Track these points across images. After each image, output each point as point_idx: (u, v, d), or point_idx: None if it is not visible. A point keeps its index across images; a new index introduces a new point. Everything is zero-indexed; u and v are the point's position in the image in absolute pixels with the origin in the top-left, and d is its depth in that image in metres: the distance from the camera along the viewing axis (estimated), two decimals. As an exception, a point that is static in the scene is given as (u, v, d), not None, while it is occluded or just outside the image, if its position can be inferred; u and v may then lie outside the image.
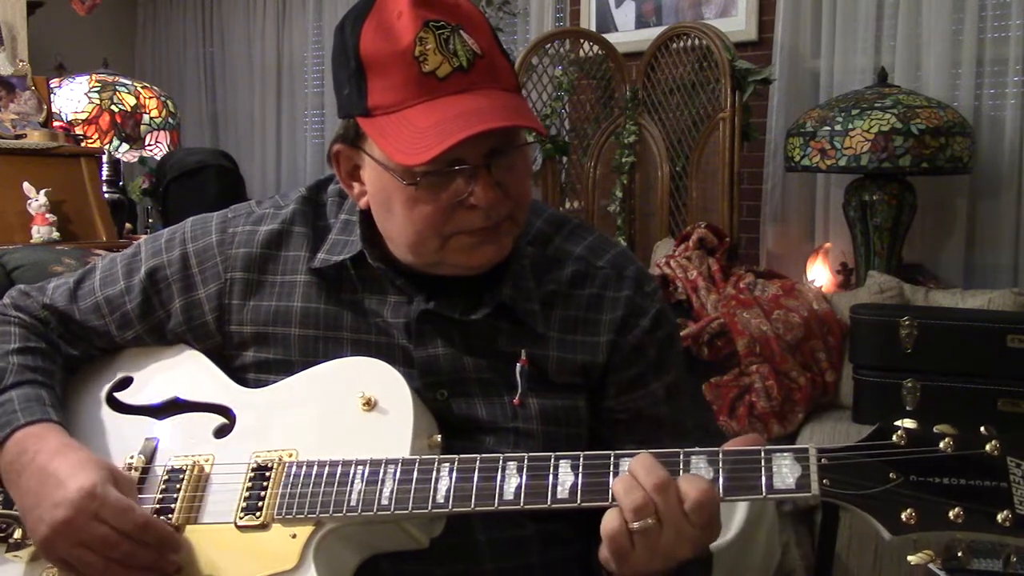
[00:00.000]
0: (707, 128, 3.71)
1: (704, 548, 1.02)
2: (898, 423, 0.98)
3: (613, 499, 1.00)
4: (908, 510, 0.93)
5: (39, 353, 1.26)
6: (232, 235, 1.27)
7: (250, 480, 1.13)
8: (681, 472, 1.00)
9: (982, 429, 0.96)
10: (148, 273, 1.28)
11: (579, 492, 1.03)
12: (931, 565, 1.55)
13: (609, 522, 1.00)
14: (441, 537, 1.13)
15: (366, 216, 1.21)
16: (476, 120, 1.05)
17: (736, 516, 2.05)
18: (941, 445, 0.95)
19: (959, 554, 0.89)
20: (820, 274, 3.81)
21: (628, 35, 4.43)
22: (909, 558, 0.93)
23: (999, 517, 0.90)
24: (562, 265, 1.24)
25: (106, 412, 1.27)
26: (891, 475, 0.95)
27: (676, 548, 0.99)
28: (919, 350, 2.78)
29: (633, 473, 1.00)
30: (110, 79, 4.38)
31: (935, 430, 0.96)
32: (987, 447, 0.94)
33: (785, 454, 0.99)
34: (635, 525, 0.97)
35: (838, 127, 3.33)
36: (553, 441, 1.18)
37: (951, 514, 0.92)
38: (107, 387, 1.29)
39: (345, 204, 1.27)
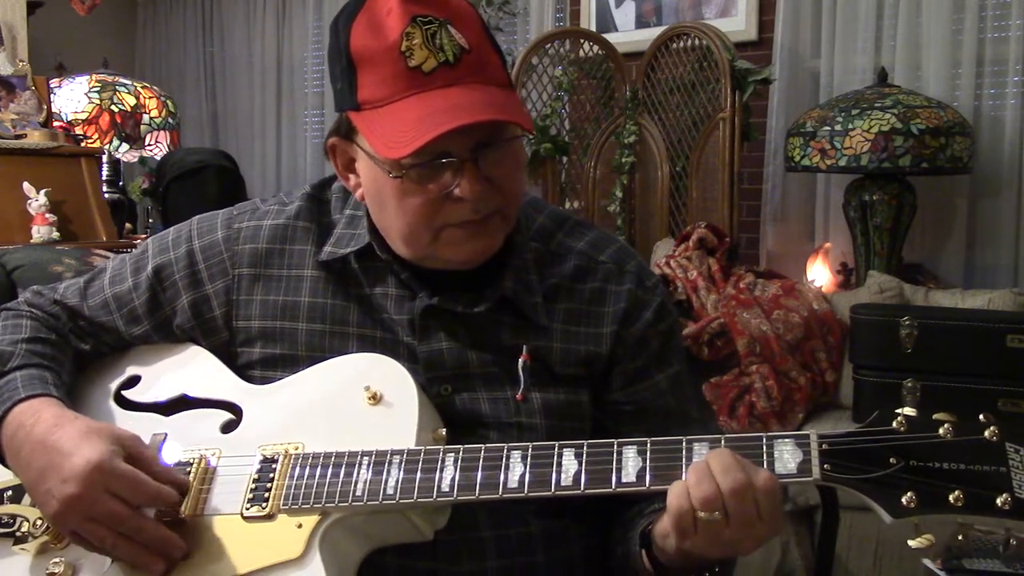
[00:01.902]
0: (707, 128, 3.71)
1: (764, 543, 1.03)
2: (898, 411, 0.98)
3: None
4: (908, 493, 0.93)
5: (49, 343, 1.27)
6: (237, 231, 1.28)
7: (257, 472, 1.13)
8: (684, 462, 1.01)
9: (981, 417, 0.96)
10: (155, 270, 1.29)
11: (583, 480, 1.03)
12: (932, 567, 1.55)
13: (676, 498, 0.99)
14: (446, 533, 1.13)
15: None
16: (459, 114, 1.06)
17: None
18: (940, 431, 0.96)
19: (960, 537, 0.89)
20: (820, 274, 3.81)
21: (628, 35, 4.43)
22: (910, 542, 0.93)
23: (999, 500, 0.91)
24: (564, 259, 1.26)
25: (114, 409, 1.27)
26: (891, 460, 0.96)
27: (740, 544, 0.99)
28: (919, 350, 2.78)
29: (710, 466, 0.99)
30: (110, 79, 4.38)
31: (934, 417, 0.97)
32: (986, 433, 0.95)
33: (786, 440, 1.00)
34: (701, 514, 0.97)
35: (838, 127, 3.33)
36: (556, 436, 1.18)
37: (951, 497, 0.92)
38: (115, 385, 1.30)
39: (350, 200, 1.28)
